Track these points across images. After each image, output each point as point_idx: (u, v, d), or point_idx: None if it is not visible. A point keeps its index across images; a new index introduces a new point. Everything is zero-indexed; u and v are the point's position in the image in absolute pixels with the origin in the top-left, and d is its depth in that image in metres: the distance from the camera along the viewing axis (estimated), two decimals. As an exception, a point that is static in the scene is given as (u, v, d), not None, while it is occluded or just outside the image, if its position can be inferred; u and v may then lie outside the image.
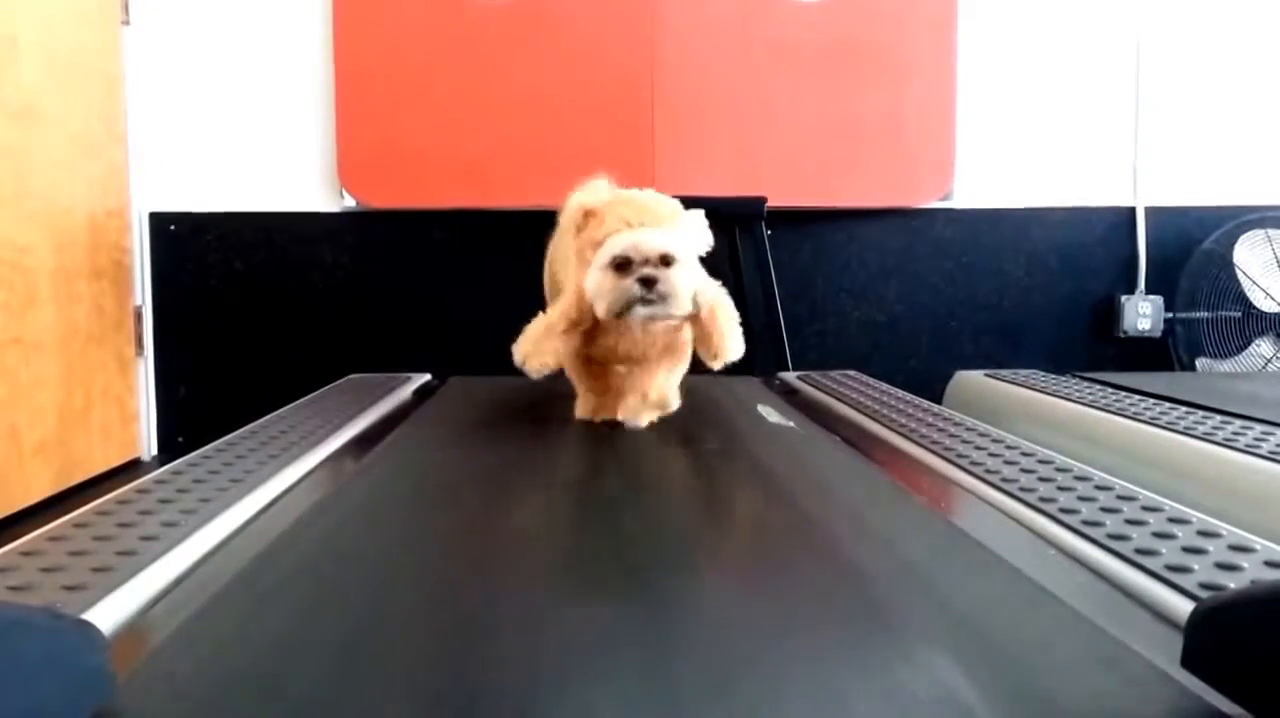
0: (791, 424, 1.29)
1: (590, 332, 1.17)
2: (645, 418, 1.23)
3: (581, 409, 1.28)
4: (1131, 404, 1.43)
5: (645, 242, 1.08)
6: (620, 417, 1.23)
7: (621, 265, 1.08)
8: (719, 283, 1.17)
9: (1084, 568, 0.68)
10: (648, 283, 1.07)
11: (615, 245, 1.08)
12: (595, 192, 1.23)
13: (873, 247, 2.29)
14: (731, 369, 1.19)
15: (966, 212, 2.29)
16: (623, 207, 1.12)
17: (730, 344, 1.15)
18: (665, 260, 1.08)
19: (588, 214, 1.14)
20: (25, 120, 1.71)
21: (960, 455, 1.02)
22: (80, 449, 1.87)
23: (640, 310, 1.09)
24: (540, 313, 1.20)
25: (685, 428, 1.23)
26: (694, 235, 1.15)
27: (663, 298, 1.08)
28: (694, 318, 1.15)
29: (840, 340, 2.28)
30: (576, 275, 1.15)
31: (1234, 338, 2.22)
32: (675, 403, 1.26)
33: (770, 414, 1.35)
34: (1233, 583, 0.61)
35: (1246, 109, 2.31)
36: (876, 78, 2.20)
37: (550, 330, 1.15)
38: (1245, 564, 0.64)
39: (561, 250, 1.28)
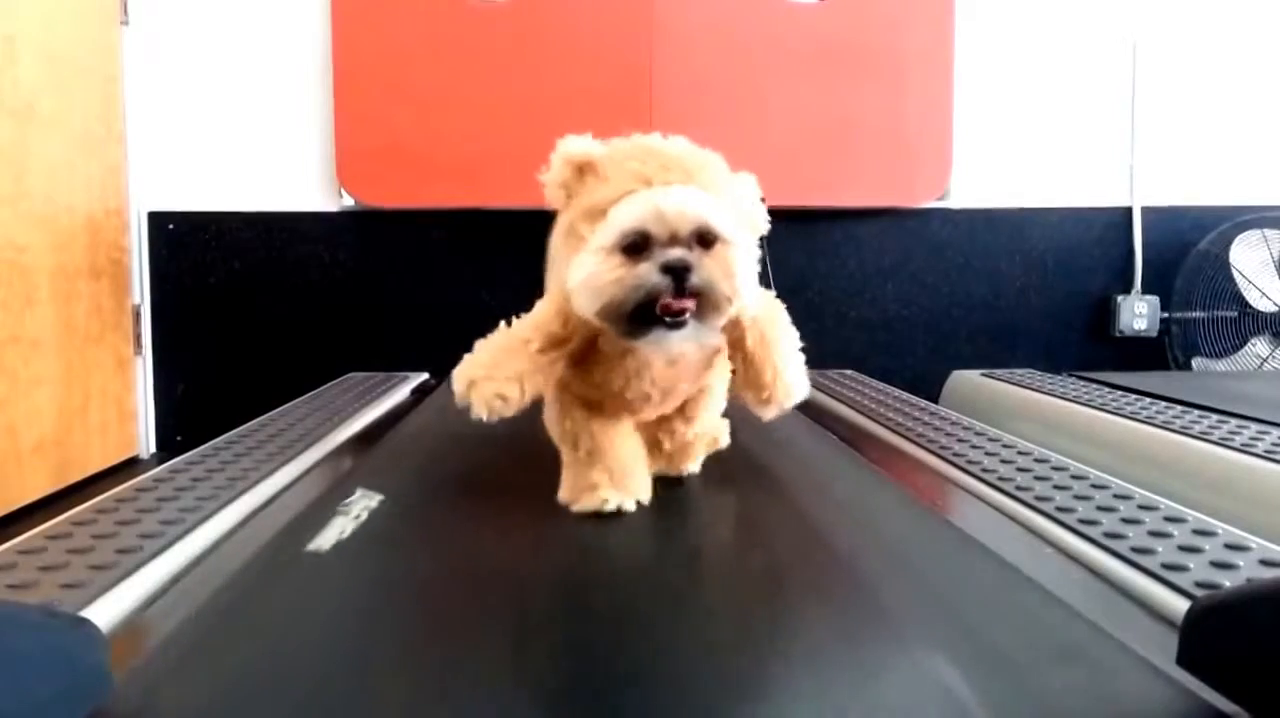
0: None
1: (581, 358, 0.77)
2: (695, 465, 0.87)
3: (567, 489, 0.81)
4: (1128, 403, 1.43)
5: (674, 206, 0.69)
6: (664, 471, 0.85)
7: (635, 247, 0.69)
8: (773, 293, 0.80)
9: (1080, 566, 0.68)
10: (678, 272, 0.67)
11: (628, 212, 0.69)
12: (589, 142, 0.78)
13: (870, 246, 2.30)
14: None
15: (963, 212, 2.29)
16: (637, 159, 0.74)
17: (791, 384, 0.76)
18: (706, 239, 0.70)
19: (582, 168, 0.76)
20: (24, 119, 1.71)
21: (957, 454, 1.02)
22: (78, 448, 1.87)
23: (669, 337, 0.70)
24: (504, 323, 0.76)
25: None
26: (743, 209, 0.77)
27: (702, 302, 0.69)
28: (735, 343, 0.77)
29: (837, 340, 2.29)
30: (562, 267, 0.75)
31: (1230, 337, 2.22)
32: (726, 438, 0.92)
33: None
34: (1228, 582, 0.61)
35: (1243, 110, 2.31)
36: (874, 78, 2.20)
37: (518, 347, 0.74)
38: (1241, 563, 0.65)
39: (553, 247, 0.84)
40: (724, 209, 0.72)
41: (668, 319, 0.68)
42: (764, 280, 0.75)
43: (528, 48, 2.15)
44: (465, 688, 0.47)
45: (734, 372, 0.80)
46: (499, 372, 0.72)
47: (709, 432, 0.88)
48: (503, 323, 0.75)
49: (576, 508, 0.79)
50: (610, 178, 0.73)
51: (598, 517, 0.77)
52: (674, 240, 0.69)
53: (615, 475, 0.79)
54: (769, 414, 0.77)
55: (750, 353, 0.75)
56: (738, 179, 0.79)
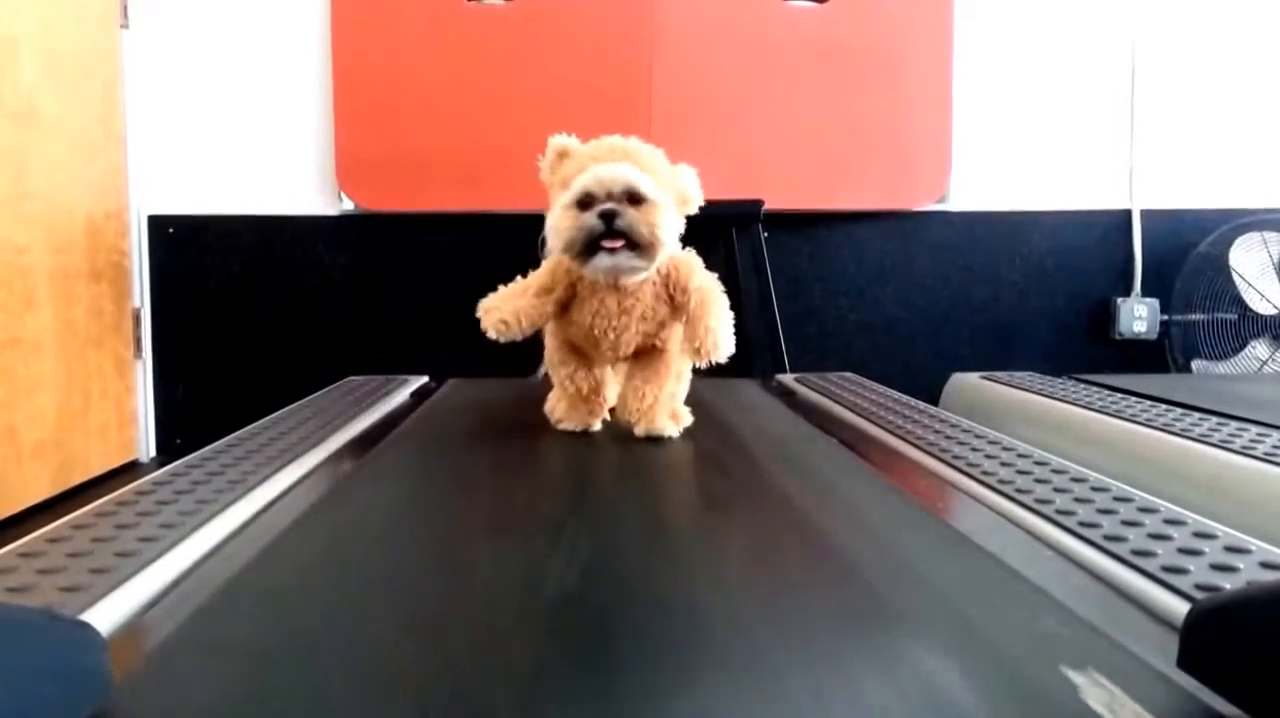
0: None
1: (566, 308, 1.10)
2: (669, 428, 1.11)
3: (553, 407, 1.18)
4: (1127, 406, 1.43)
5: (608, 174, 1.01)
6: (641, 432, 1.11)
7: (585, 203, 1.02)
8: (715, 275, 1.10)
9: (1080, 569, 0.68)
10: (608, 218, 1.00)
11: (580, 180, 1.02)
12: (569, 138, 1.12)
13: (869, 249, 2.30)
14: (728, 371, 1.16)
15: (963, 214, 2.29)
16: (598, 147, 1.06)
17: (720, 340, 1.03)
18: (632, 198, 1.01)
19: (561, 154, 1.08)
20: (25, 122, 1.71)
21: (957, 457, 1.02)
22: (78, 451, 1.87)
23: (603, 260, 1.02)
24: (520, 277, 1.12)
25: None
26: (677, 186, 1.06)
27: (627, 239, 1.00)
28: (680, 307, 1.07)
29: (837, 342, 2.29)
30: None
31: (1230, 340, 2.23)
32: (687, 418, 1.16)
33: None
34: (1228, 584, 0.61)
35: (1243, 112, 2.31)
36: (873, 81, 2.20)
37: (521, 291, 1.09)
38: (1241, 566, 0.64)
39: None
40: (649, 179, 1.02)
41: (606, 248, 1.01)
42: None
43: (528, 48, 2.15)
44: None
45: (683, 331, 1.09)
46: (505, 305, 1.08)
47: (669, 399, 1.14)
48: (519, 277, 1.12)
49: (558, 426, 1.16)
50: (576, 160, 1.05)
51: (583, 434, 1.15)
52: (609, 198, 1.01)
53: (586, 403, 1.15)
54: (701, 362, 1.05)
55: (692, 314, 1.06)
56: (677, 168, 1.08)
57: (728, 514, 0.85)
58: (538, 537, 0.77)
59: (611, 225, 1.00)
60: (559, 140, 1.09)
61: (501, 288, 1.10)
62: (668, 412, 1.12)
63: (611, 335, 1.08)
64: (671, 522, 0.84)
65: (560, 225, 1.02)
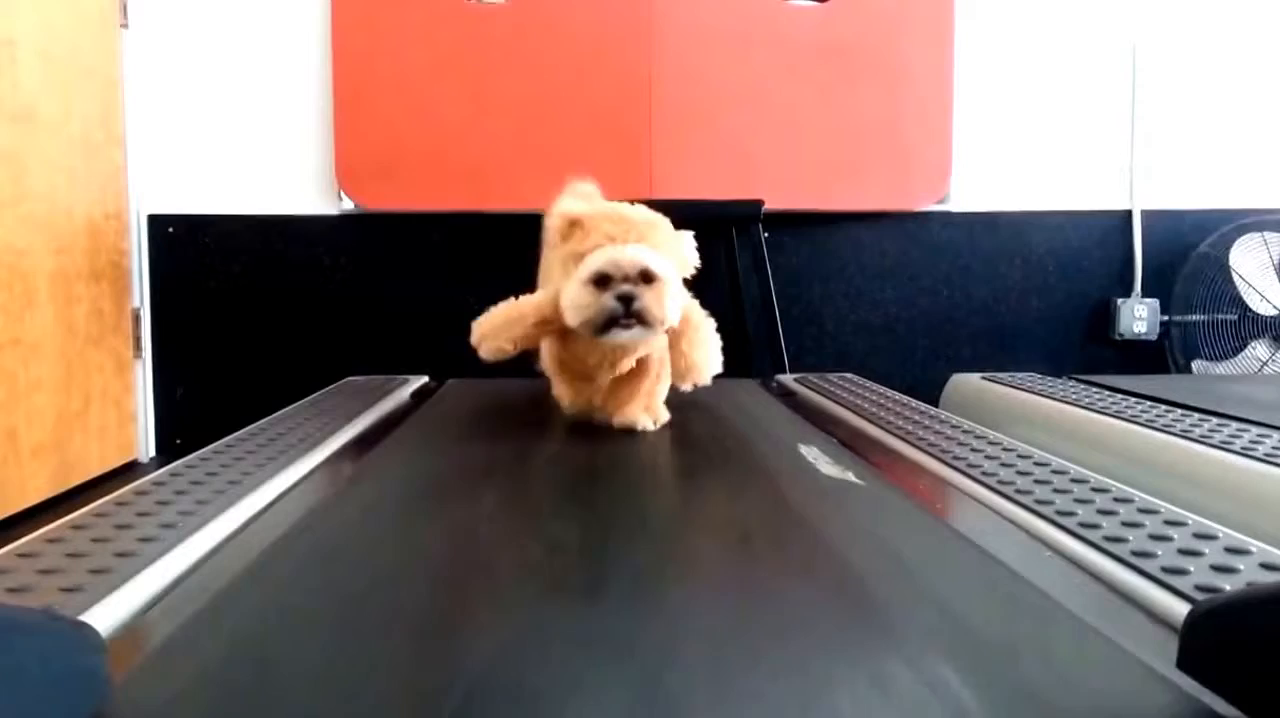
0: (851, 477, 0.96)
1: (563, 335, 1.16)
2: (643, 421, 1.20)
3: (564, 403, 1.26)
4: (1128, 407, 1.43)
5: (626, 257, 1.05)
6: (616, 423, 1.20)
7: (601, 281, 1.06)
8: (702, 307, 1.17)
9: (1080, 570, 0.68)
10: (626, 300, 1.05)
11: (596, 260, 1.06)
12: (581, 197, 1.17)
13: (870, 250, 2.30)
14: (729, 372, 1.19)
15: (963, 215, 2.29)
16: (608, 220, 1.09)
17: (703, 365, 1.15)
18: (646, 277, 1.06)
19: (573, 224, 1.11)
20: (24, 123, 1.71)
21: (957, 458, 1.02)
22: (78, 451, 1.87)
23: (620, 335, 1.07)
24: (513, 297, 1.17)
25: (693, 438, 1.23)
26: (680, 255, 1.12)
27: (641, 319, 1.06)
28: (672, 337, 1.14)
29: (837, 343, 2.29)
30: (560, 279, 1.12)
31: (1230, 340, 2.23)
32: (665, 415, 1.24)
33: (820, 460, 1.05)
34: (1229, 585, 0.61)
35: (1243, 112, 2.31)
36: (874, 81, 2.20)
37: (518, 319, 1.14)
38: (1241, 567, 0.64)
39: (547, 261, 1.26)
40: (660, 257, 1.07)
41: (621, 324, 1.06)
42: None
43: (527, 51, 2.15)
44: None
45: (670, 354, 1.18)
46: (502, 333, 1.14)
47: (645, 397, 1.22)
48: (513, 297, 1.16)
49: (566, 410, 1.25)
50: (590, 233, 1.08)
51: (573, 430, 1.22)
52: (625, 279, 1.06)
53: (576, 398, 1.24)
54: (683, 386, 1.19)
55: (678, 344, 1.15)
56: (678, 235, 1.14)
57: (728, 514, 0.85)
58: (541, 534, 0.77)
59: (629, 309, 1.05)
60: (570, 208, 1.14)
61: (497, 308, 1.16)
62: (643, 407, 1.21)
63: (608, 366, 1.17)
64: (673, 522, 0.84)
65: (580, 303, 1.07)
